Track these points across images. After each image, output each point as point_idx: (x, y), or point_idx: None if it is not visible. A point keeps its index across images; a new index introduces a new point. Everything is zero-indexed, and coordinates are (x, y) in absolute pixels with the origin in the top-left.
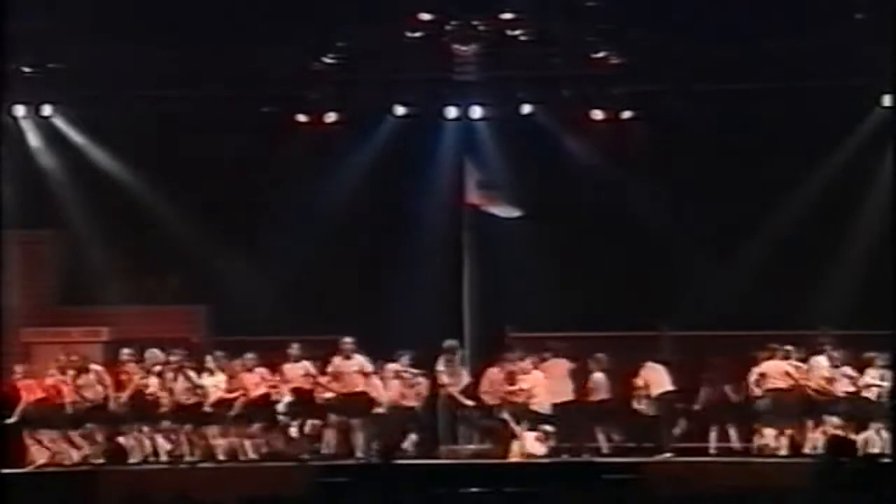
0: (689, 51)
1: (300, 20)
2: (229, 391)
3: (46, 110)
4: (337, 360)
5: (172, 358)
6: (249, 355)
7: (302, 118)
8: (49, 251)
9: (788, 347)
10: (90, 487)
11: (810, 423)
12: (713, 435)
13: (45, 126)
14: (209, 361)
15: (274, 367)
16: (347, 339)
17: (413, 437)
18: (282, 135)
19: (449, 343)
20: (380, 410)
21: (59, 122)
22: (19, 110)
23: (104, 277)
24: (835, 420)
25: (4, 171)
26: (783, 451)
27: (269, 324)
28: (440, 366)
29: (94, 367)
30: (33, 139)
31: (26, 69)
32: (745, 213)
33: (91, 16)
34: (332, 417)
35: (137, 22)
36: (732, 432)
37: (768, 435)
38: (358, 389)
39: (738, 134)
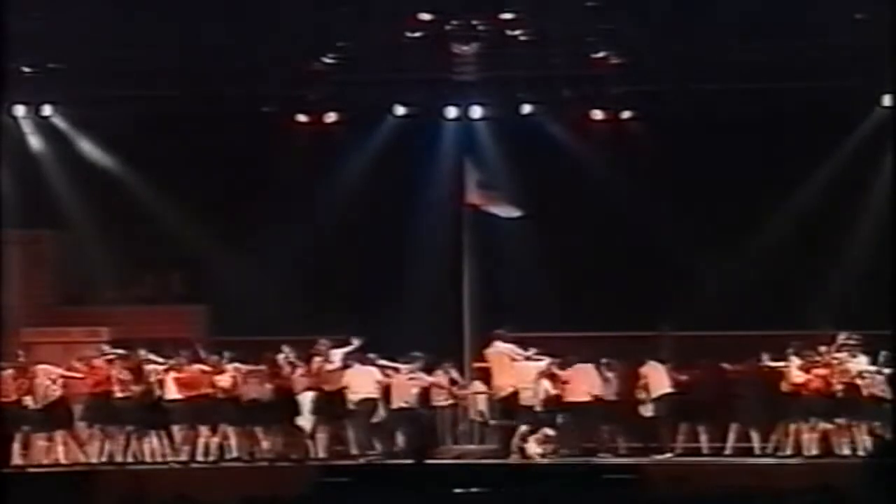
0: (689, 51)
1: (300, 20)
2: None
3: (46, 110)
4: (316, 361)
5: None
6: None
7: (302, 118)
8: (49, 251)
9: (822, 349)
10: (90, 487)
11: (818, 424)
12: (731, 436)
13: (45, 126)
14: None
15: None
16: (324, 342)
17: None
18: (282, 135)
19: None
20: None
21: (59, 122)
22: (19, 110)
23: (104, 277)
24: (862, 421)
25: (4, 171)
26: (813, 451)
27: (269, 324)
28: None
29: (41, 367)
30: (33, 139)
31: (26, 69)
32: (746, 212)
33: (91, 16)
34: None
35: (137, 22)
36: (754, 433)
37: (794, 435)
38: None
39: (737, 134)
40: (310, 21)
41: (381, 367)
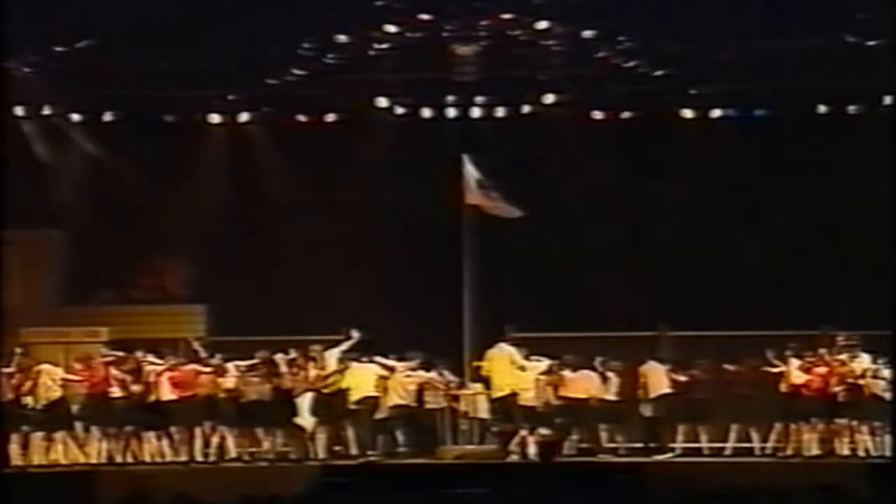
0: (689, 51)
1: (300, 20)
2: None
3: (46, 110)
4: (312, 367)
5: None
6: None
7: (302, 118)
8: (49, 251)
9: (821, 350)
10: (90, 487)
11: (818, 424)
12: (731, 436)
13: (45, 126)
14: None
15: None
16: (315, 347)
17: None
18: (282, 135)
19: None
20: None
21: (59, 122)
22: (19, 110)
23: (104, 277)
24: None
25: (4, 171)
26: (813, 451)
27: (269, 324)
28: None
29: (45, 367)
30: (34, 139)
31: (26, 69)
32: (745, 212)
33: (91, 16)
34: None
35: (137, 22)
36: (753, 433)
37: (794, 435)
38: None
39: (737, 134)
40: (310, 21)
41: (379, 365)
